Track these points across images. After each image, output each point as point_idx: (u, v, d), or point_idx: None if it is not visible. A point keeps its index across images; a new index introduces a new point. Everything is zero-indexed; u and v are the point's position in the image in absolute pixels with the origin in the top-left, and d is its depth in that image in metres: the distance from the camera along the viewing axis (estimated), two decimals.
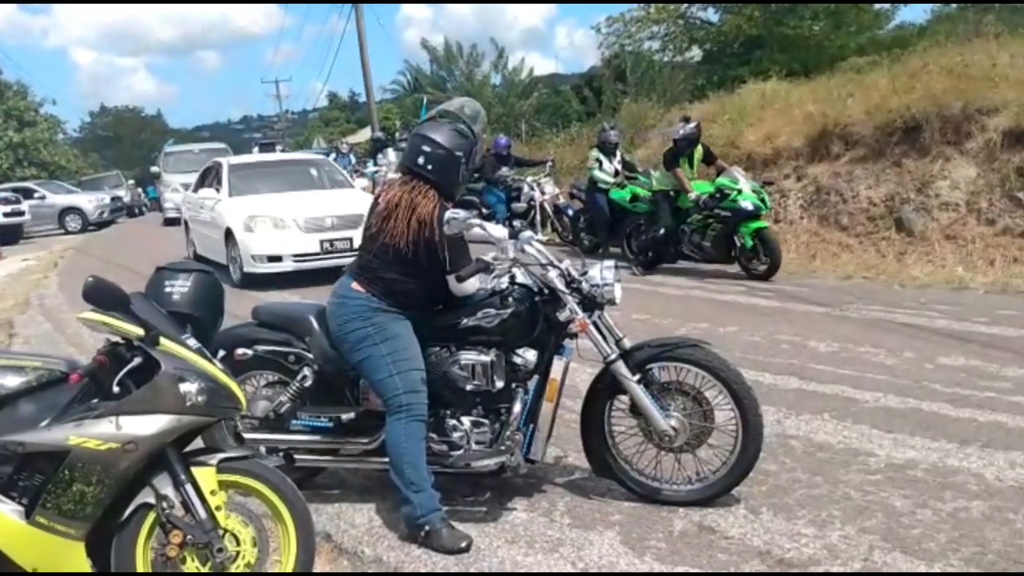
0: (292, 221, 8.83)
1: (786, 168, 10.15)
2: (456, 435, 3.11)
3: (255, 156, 15.85)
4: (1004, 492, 3.13)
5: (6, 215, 19.55)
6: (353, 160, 16.96)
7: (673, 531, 2.97)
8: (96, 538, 2.28)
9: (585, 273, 3.12)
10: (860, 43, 18.42)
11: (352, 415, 3.22)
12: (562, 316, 3.08)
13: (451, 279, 3.03)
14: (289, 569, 2.46)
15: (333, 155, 15.77)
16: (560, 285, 3.06)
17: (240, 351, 3.25)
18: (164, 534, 2.31)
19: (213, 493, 2.34)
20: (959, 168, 8.45)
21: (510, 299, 3.08)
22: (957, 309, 6.20)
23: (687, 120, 8.62)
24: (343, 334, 3.05)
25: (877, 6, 19.42)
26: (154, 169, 24.02)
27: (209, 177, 10.77)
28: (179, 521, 2.30)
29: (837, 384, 4.55)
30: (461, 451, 3.11)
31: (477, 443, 3.11)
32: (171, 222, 17.65)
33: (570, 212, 10.71)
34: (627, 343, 3.15)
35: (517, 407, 3.12)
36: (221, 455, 2.44)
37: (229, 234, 9.17)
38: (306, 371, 3.22)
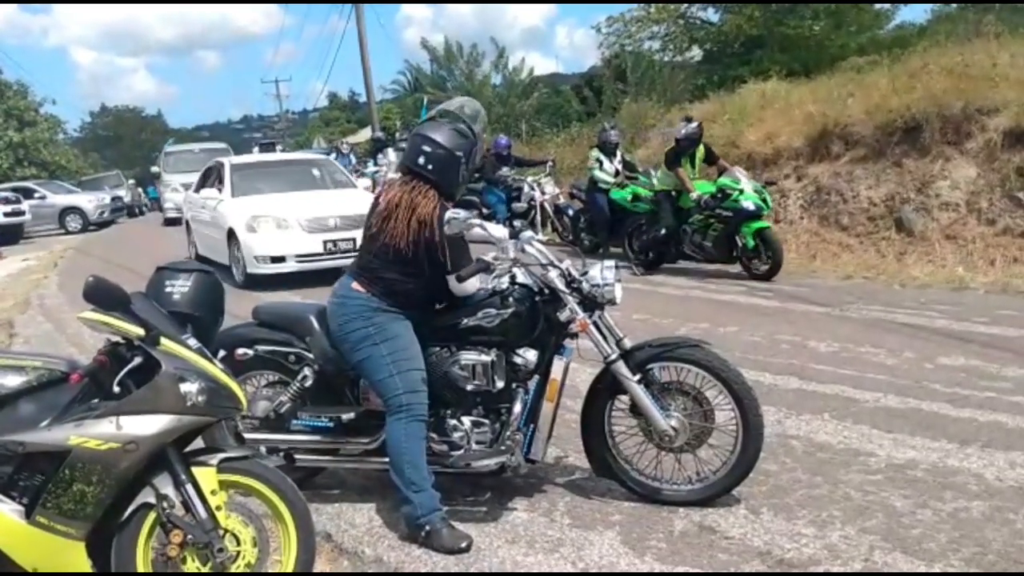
0: (295, 221, 8.79)
1: (786, 168, 10.15)
2: (456, 435, 3.11)
3: (257, 156, 15.83)
4: (1004, 492, 3.13)
5: (6, 215, 19.51)
6: (353, 160, 16.94)
7: (673, 531, 2.97)
8: (96, 538, 2.28)
9: (585, 273, 3.12)
10: (860, 43, 18.45)
11: (352, 415, 3.22)
12: (562, 316, 3.08)
13: (451, 279, 3.03)
14: (289, 569, 2.46)
15: (333, 155, 15.72)
16: (560, 285, 3.06)
17: (240, 351, 3.25)
18: (164, 534, 2.31)
19: (213, 493, 2.34)
20: (959, 168, 8.45)
21: (510, 299, 3.08)
22: (957, 309, 6.20)
23: (689, 120, 8.61)
24: (343, 334, 3.05)
25: (877, 6, 19.46)
26: (154, 169, 24.00)
27: (211, 177, 10.72)
28: (179, 521, 2.30)
29: (837, 384, 4.55)
30: (461, 451, 3.11)
31: (477, 443, 3.11)
32: (171, 222, 17.66)
33: (570, 212, 10.72)
34: (627, 343, 3.15)
35: (517, 407, 3.12)
36: (221, 455, 2.44)
37: (232, 235, 9.13)
38: (306, 371, 3.22)
